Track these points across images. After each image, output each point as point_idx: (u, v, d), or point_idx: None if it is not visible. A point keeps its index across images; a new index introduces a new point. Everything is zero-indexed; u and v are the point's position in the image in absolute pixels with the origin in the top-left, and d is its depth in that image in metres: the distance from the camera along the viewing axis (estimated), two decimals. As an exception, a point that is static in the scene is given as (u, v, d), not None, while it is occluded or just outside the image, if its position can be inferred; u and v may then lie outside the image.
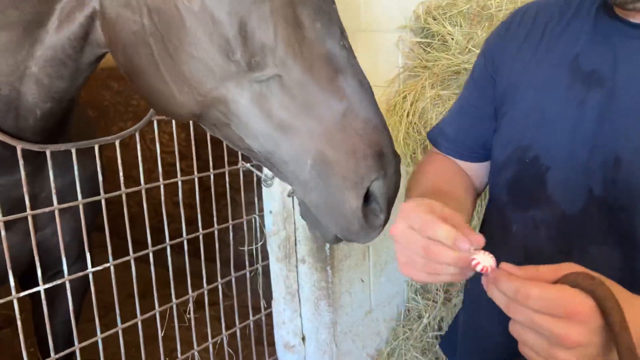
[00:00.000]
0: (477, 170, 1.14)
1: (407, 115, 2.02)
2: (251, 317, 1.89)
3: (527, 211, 0.97)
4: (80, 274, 1.39)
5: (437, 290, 2.25)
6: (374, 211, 0.93)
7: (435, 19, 2.12)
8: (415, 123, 2.05)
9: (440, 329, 2.23)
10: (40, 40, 1.05)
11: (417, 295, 2.26)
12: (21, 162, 1.21)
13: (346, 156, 0.88)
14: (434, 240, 0.71)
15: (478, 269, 0.68)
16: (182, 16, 0.87)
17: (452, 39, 2.04)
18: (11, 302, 1.28)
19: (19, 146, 1.20)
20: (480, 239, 0.70)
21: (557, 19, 0.99)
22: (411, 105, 2.04)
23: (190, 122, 1.50)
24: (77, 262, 1.52)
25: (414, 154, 2.08)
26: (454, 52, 1.99)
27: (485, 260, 0.68)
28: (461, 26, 2.03)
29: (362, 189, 0.88)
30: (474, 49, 1.98)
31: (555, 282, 0.64)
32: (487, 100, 1.08)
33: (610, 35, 0.90)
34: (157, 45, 0.91)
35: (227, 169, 1.71)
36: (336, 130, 0.88)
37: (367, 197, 0.92)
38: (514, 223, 1.00)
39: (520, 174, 0.98)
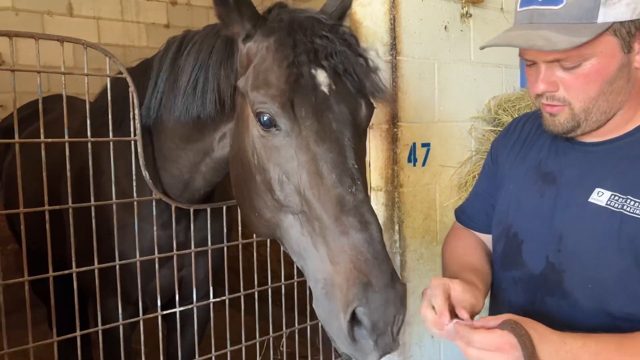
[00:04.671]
0: (490, 239, 1.47)
1: (477, 193, 2.32)
2: (333, 359, 2.21)
3: (510, 272, 1.30)
4: (204, 302, 1.83)
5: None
6: (362, 334, 1.07)
7: (505, 111, 2.45)
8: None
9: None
10: (208, 154, 1.65)
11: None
12: (174, 216, 1.73)
13: (342, 282, 1.07)
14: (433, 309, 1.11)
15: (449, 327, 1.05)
16: (250, 167, 1.30)
17: (519, 128, 2.35)
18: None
19: (174, 205, 1.72)
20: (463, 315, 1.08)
21: (534, 132, 1.36)
22: (481, 183, 2.34)
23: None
24: (205, 297, 1.92)
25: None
26: (519, 140, 2.29)
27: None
28: (526, 118, 2.34)
29: (347, 313, 1.05)
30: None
31: (496, 327, 1.00)
32: (495, 188, 1.44)
33: (560, 148, 1.27)
34: (244, 186, 1.36)
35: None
36: (339, 259, 1.09)
37: (358, 322, 1.07)
38: (502, 282, 1.34)
39: (507, 246, 1.32)
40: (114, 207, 1.60)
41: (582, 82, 1.11)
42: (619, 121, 1.18)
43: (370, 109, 1.33)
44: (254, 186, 1.30)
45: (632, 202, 1.09)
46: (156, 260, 1.70)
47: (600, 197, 1.14)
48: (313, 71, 1.22)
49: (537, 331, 0.97)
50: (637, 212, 1.08)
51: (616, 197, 1.12)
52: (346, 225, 1.11)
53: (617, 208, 1.11)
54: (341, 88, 1.25)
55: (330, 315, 1.11)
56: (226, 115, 1.50)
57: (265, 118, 1.21)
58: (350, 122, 1.25)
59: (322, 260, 1.13)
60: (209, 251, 1.82)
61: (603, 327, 1.08)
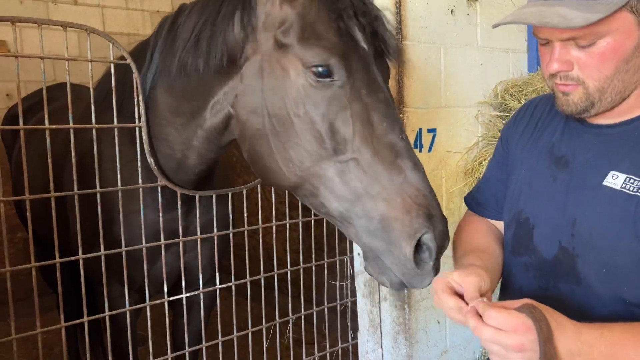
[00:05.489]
0: (502, 225, 1.45)
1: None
2: (340, 345, 2.23)
3: (521, 257, 1.29)
4: (211, 288, 1.84)
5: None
6: (425, 258, 1.21)
7: (512, 96, 2.43)
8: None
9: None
10: (200, 125, 1.60)
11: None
12: (179, 202, 1.73)
13: (403, 215, 1.19)
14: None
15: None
16: (291, 118, 1.31)
17: (527, 113, 2.32)
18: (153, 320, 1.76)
19: (179, 191, 1.72)
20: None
21: (546, 115, 1.34)
22: (488, 169, 2.32)
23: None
24: (209, 282, 1.94)
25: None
26: (527, 125, 2.27)
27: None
28: (534, 102, 2.31)
29: (414, 239, 1.18)
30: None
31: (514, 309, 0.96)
32: (506, 174, 1.42)
33: (574, 130, 1.25)
34: (273, 138, 1.36)
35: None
36: (396, 195, 1.21)
37: (420, 248, 1.20)
38: (513, 267, 1.32)
39: (517, 231, 1.31)
40: (119, 193, 1.60)
41: (598, 61, 1.09)
42: (633, 102, 1.15)
43: (389, 68, 1.42)
44: (292, 137, 1.33)
45: None
46: (162, 246, 1.71)
47: (615, 180, 1.11)
48: (356, 27, 1.32)
49: (555, 319, 0.95)
50: None
51: (632, 180, 1.09)
52: (402, 167, 1.23)
53: (632, 191, 1.08)
54: (371, 45, 1.35)
55: (390, 245, 1.21)
56: (224, 76, 1.47)
57: (321, 69, 1.27)
58: (384, 77, 1.38)
59: (375, 200, 1.22)
60: (215, 237, 1.83)
61: (617, 313, 1.07)
